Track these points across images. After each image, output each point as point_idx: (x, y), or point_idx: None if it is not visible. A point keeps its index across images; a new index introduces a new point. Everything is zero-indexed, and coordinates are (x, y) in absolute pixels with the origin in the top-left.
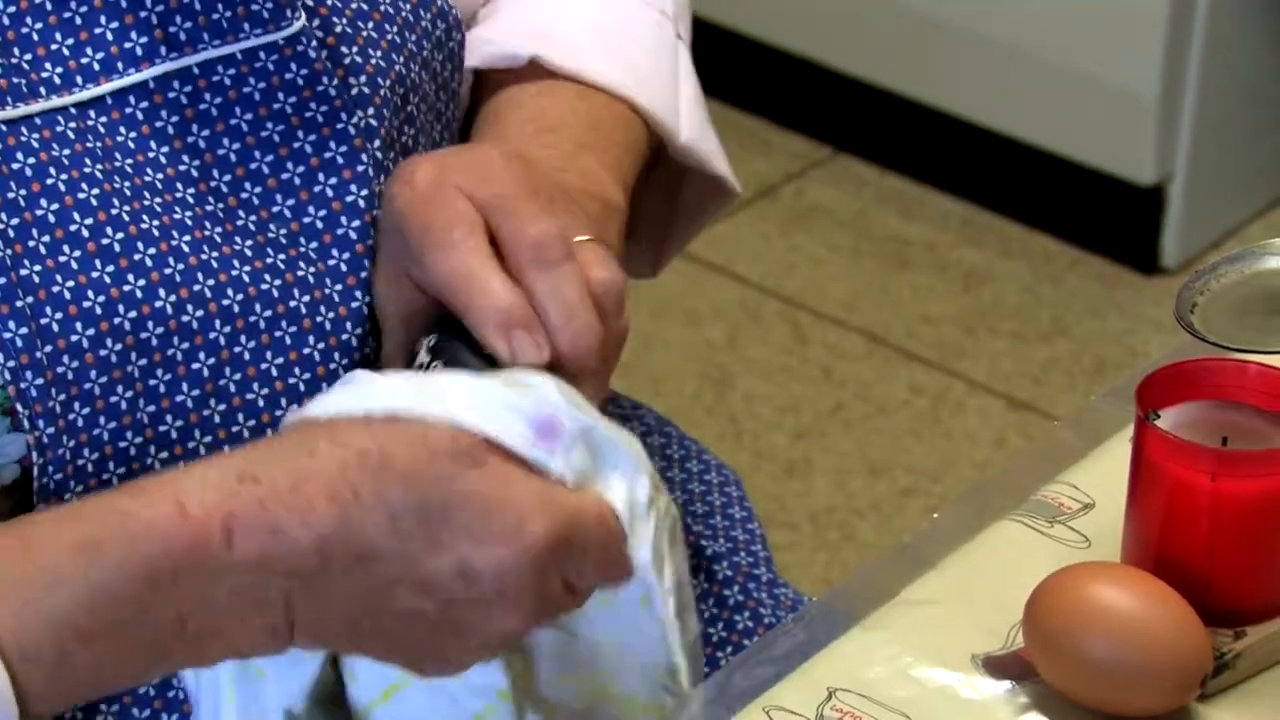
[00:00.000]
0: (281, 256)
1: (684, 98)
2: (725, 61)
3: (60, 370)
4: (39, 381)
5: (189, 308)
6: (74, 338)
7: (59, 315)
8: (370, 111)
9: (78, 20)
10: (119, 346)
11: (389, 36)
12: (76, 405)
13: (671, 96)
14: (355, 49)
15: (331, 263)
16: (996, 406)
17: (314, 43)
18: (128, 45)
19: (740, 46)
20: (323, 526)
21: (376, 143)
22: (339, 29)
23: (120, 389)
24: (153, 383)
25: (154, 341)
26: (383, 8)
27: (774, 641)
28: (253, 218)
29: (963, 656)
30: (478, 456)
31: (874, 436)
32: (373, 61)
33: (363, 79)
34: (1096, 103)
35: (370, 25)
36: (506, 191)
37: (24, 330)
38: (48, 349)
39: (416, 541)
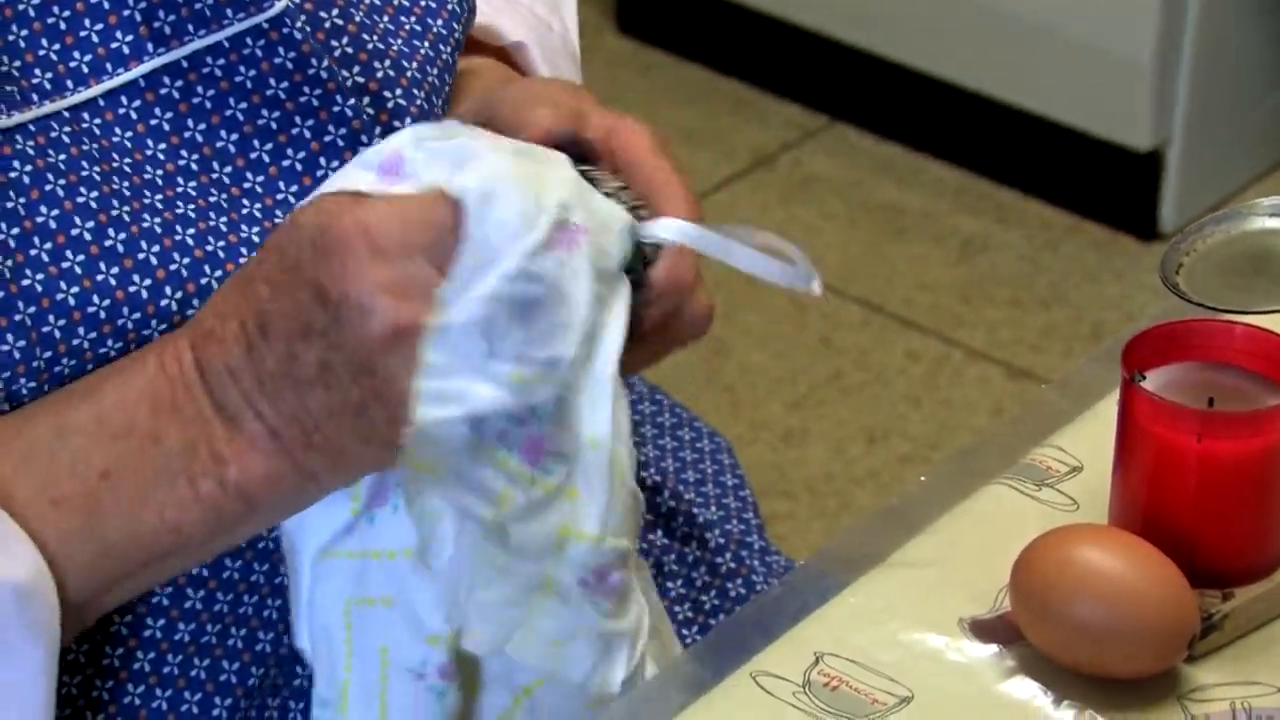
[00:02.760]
0: None
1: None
2: (721, 31)
3: (58, 370)
4: (32, 384)
5: (194, 302)
6: (75, 341)
7: (61, 322)
8: (399, 92)
9: (62, 25)
10: (119, 344)
11: (408, 26)
12: None
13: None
14: (376, 36)
15: None
16: (994, 374)
17: (299, 24)
18: (114, 45)
19: (735, 15)
20: (236, 316)
21: (407, 120)
22: (358, 18)
23: None
24: None
25: (155, 336)
26: (396, 1)
27: (762, 606)
28: (258, 205)
29: (950, 620)
30: (326, 201)
31: (872, 405)
32: (395, 48)
33: (387, 63)
34: (1092, 69)
35: (386, 18)
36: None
37: (22, 343)
38: (46, 355)
39: (285, 293)
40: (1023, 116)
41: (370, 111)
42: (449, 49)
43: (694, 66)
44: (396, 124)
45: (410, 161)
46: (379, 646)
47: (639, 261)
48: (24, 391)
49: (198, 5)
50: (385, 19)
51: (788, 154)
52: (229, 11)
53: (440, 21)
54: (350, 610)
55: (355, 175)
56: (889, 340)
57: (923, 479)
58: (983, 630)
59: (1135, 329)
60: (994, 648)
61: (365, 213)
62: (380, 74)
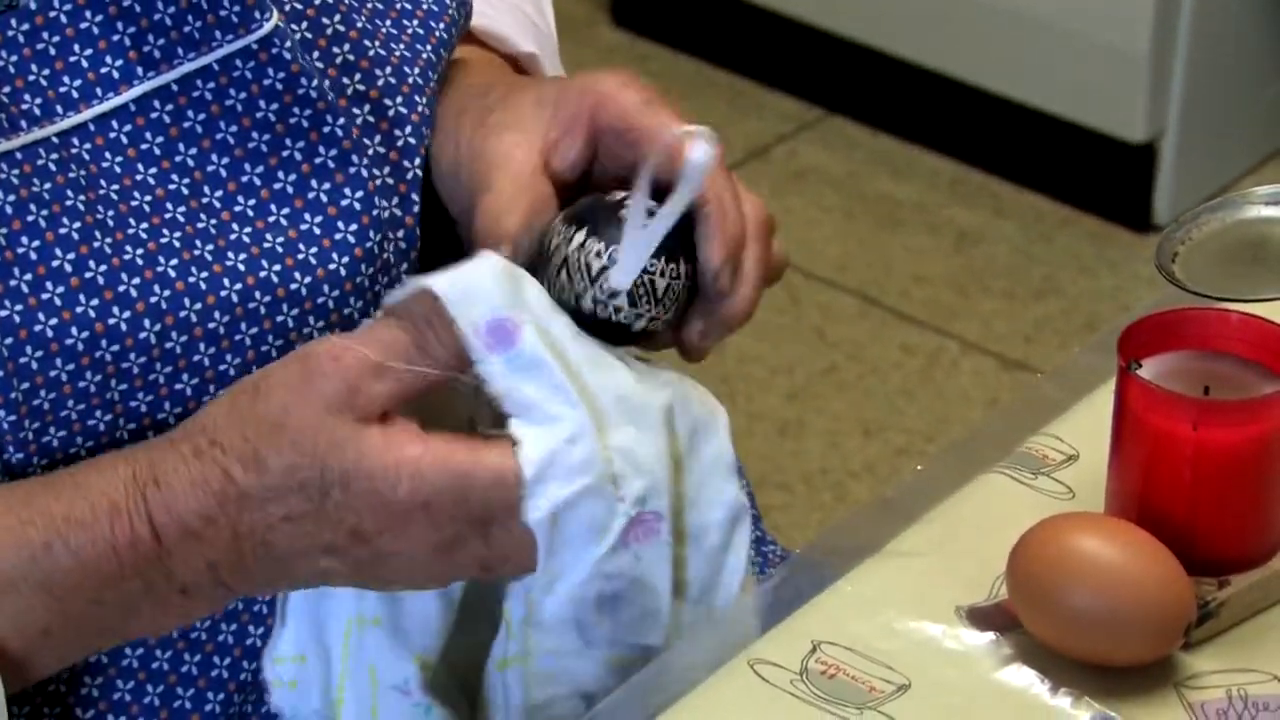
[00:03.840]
0: (277, 268)
1: None
2: (716, 23)
3: (36, 403)
4: (12, 418)
5: (174, 334)
6: (53, 373)
7: (39, 354)
8: (400, 100)
9: (52, 50)
10: (99, 377)
11: (410, 30)
12: (52, 429)
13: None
14: (378, 42)
15: (331, 267)
16: (989, 366)
17: (288, 44)
18: (104, 70)
19: (730, 8)
20: (226, 527)
21: (408, 129)
22: (360, 24)
23: (99, 414)
24: (134, 404)
25: (135, 369)
26: (399, 5)
27: (759, 595)
28: (247, 229)
29: (947, 608)
30: (350, 428)
31: (867, 397)
32: (397, 53)
33: (389, 70)
34: (1087, 60)
35: (389, 23)
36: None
37: (0, 373)
38: (24, 386)
39: (308, 521)
40: (1018, 109)
41: (371, 119)
42: (448, 54)
43: (688, 59)
44: (397, 132)
45: (520, 355)
46: (368, 665)
47: (678, 251)
48: (4, 425)
49: (186, 28)
50: (388, 23)
51: (783, 146)
52: (217, 34)
53: (442, 25)
54: (350, 631)
55: (475, 301)
56: (885, 333)
57: (919, 468)
58: (979, 618)
59: (1130, 319)
60: (991, 636)
61: (420, 485)
62: (381, 81)
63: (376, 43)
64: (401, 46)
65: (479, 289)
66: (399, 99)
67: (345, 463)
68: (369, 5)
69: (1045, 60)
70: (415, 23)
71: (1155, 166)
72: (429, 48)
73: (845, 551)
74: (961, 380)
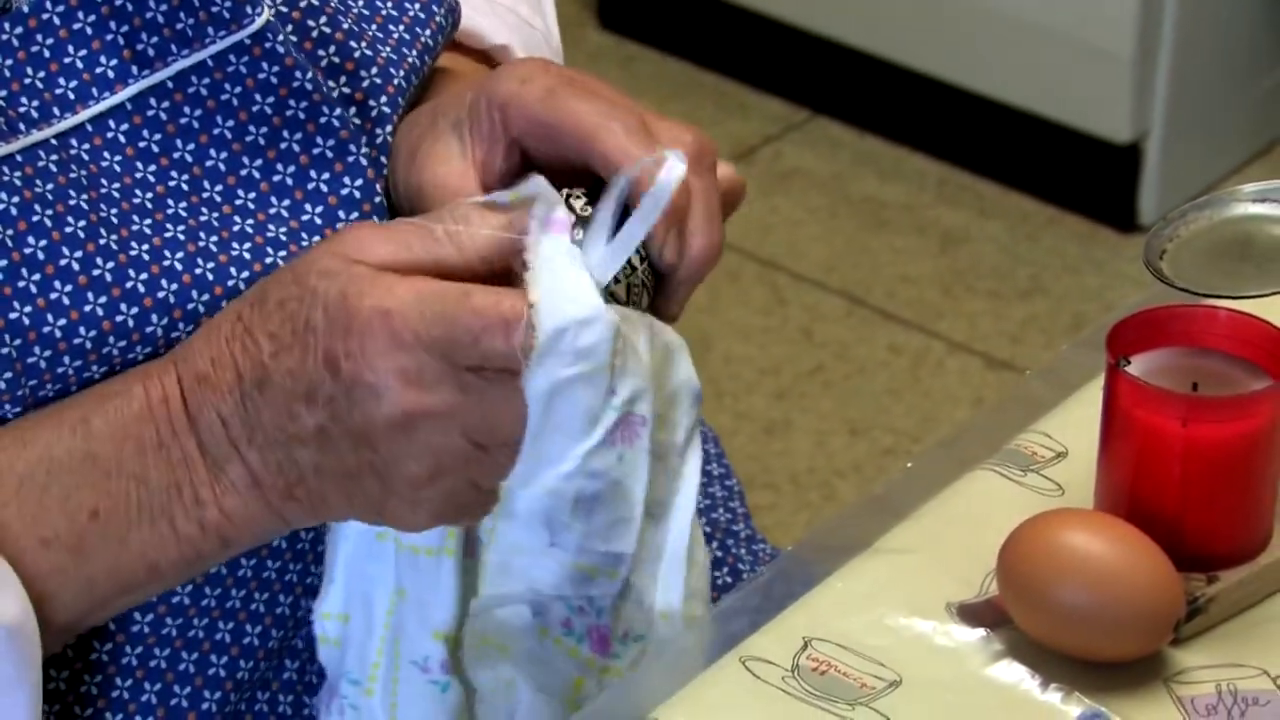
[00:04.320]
0: (282, 254)
1: None
2: (702, 25)
3: (42, 394)
4: (16, 410)
5: (180, 325)
6: (60, 370)
7: (48, 354)
8: (384, 100)
9: (46, 53)
10: (104, 369)
11: (396, 35)
12: None
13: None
14: (364, 44)
15: None
16: (975, 365)
17: (280, 38)
18: (99, 70)
19: (716, 9)
20: (229, 366)
21: (389, 128)
22: (346, 25)
23: None
24: None
25: (140, 359)
26: (385, 10)
27: (750, 592)
28: (249, 221)
29: (937, 605)
30: (344, 262)
31: (854, 397)
32: (383, 55)
33: (374, 70)
34: (1072, 61)
35: (374, 26)
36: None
37: (8, 375)
38: (31, 383)
39: (292, 354)
40: (1003, 109)
41: (356, 121)
42: (432, 60)
43: (675, 61)
44: (379, 131)
45: (571, 234)
46: (395, 637)
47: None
48: (9, 416)
49: (179, 25)
50: (374, 27)
51: (769, 147)
52: (210, 30)
53: (428, 32)
54: (394, 603)
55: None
56: (871, 333)
57: (909, 465)
58: (970, 614)
59: (1116, 318)
60: (981, 632)
61: (386, 297)
62: (366, 82)
63: (362, 44)
64: (387, 49)
65: (554, 197)
66: (383, 99)
67: (331, 290)
68: (354, 10)
69: (1031, 61)
70: (401, 28)
71: (1140, 167)
72: (414, 53)
73: (836, 549)
74: (948, 380)
